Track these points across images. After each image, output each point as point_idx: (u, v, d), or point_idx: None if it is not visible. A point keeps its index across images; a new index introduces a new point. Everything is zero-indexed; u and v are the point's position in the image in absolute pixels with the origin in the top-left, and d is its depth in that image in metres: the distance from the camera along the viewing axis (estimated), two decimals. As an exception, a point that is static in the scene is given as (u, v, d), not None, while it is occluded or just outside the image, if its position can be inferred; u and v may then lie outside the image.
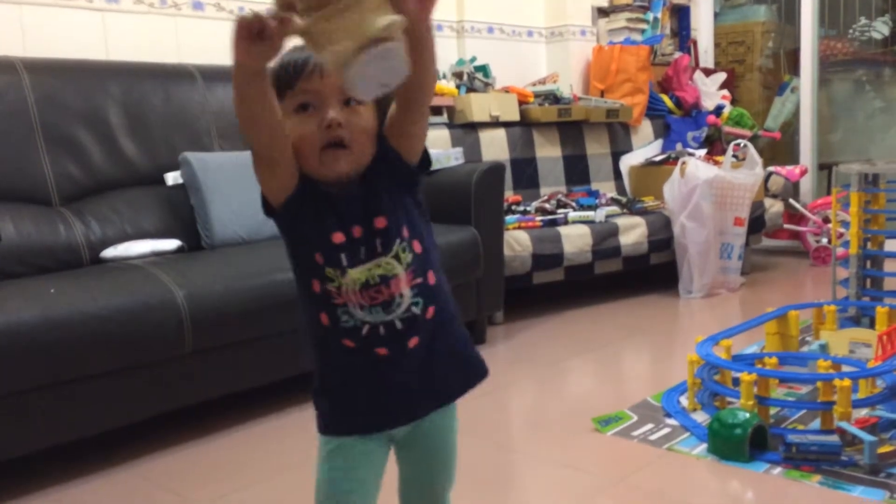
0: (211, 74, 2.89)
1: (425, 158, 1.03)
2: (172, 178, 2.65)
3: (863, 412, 1.96)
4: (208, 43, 3.09)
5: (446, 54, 3.96)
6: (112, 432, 2.00)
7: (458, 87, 3.68)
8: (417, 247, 1.00)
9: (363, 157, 0.97)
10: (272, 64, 0.91)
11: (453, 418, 1.12)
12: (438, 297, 1.02)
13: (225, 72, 2.97)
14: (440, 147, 3.33)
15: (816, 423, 1.97)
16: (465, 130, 3.58)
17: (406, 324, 0.99)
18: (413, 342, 0.99)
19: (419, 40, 0.88)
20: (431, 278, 1.01)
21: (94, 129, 2.56)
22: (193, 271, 2.13)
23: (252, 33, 0.81)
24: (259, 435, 2.12)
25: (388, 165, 0.99)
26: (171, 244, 2.44)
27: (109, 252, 2.37)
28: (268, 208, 1.00)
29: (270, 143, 0.94)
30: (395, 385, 1.01)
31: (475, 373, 1.10)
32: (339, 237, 0.96)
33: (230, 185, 2.59)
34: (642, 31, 4.53)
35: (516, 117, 3.76)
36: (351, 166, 0.96)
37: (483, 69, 3.82)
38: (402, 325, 0.98)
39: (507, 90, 3.83)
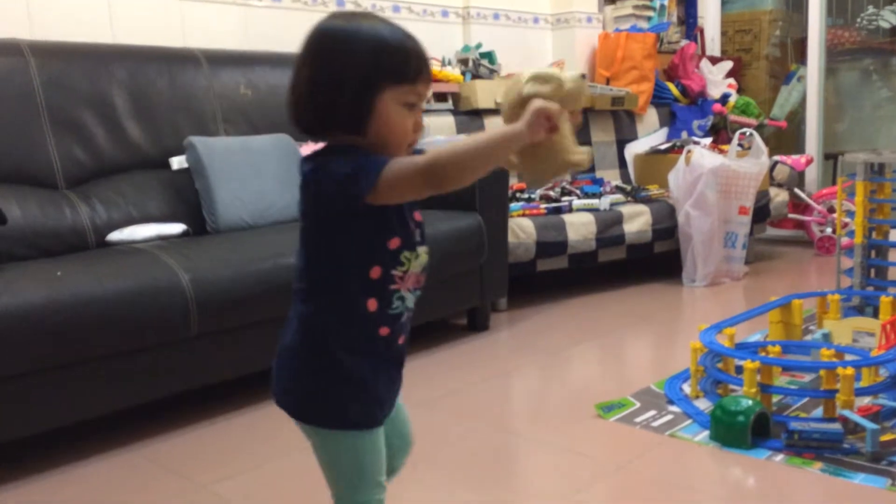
0: (216, 59, 2.89)
1: None
2: (177, 162, 2.65)
3: (865, 400, 1.96)
4: (213, 27, 3.08)
5: (451, 41, 3.95)
6: (117, 414, 2.02)
7: (463, 73, 3.68)
8: None
9: None
10: (393, 42, 0.97)
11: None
12: None
13: (230, 56, 2.97)
14: (445, 134, 3.33)
15: (819, 411, 1.98)
16: (470, 117, 3.58)
17: (408, 316, 1.05)
18: (401, 339, 1.06)
19: None
20: None
21: (100, 113, 2.56)
22: (199, 255, 2.13)
23: (549, 125, 0.95)
24: (264, 418, 2.13)
25: None
26: (177, 228, 2.45)
27: (115, 235, 2.37)
28: (359, 202, 0.95)
29: None
30: (396, 377, 1.09)
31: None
32: (413, 223, 1.02)
33: (235, 170, 2.60)
34: (649, 19, 4.51)
35: (522, 104, 3.75)
36: None
37: (489, 56, 3.81)
38: (406, 316, 1.05)
39: (512, 77, 3.81)
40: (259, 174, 2.65)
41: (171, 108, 2.71)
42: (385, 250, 0.98)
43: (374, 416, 1.04)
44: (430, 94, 3.45)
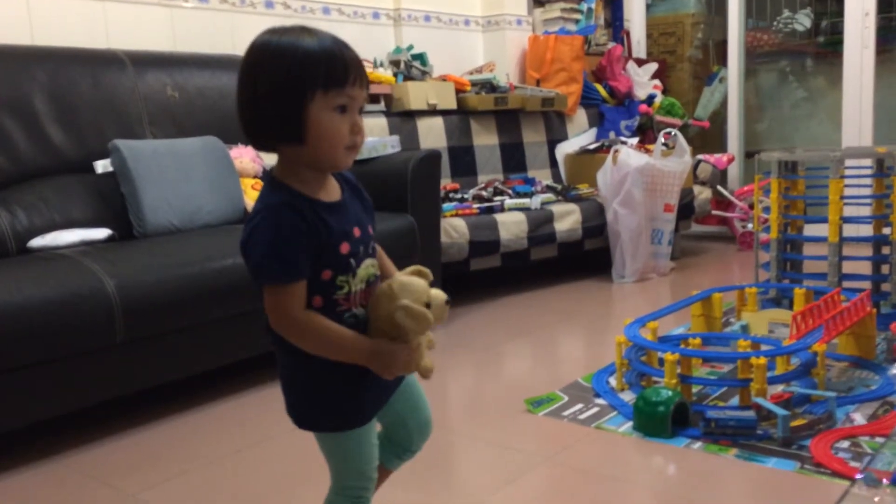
0: (141, 60, 2.84)
1: None
2: (102, 165, 2.60)
3: (779, 388, 2.06)
4: (139, 29, 3.03)
5: (383, 42, 3.97)
6: (41, 424, 1.98)
7: (395, 75, 3.69)
8: None
9: None
10: (319, 51, 1.00)
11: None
12: None
13: (156, 58, 2.92)
14: (377, 135, 3.34)
15: (735, 400, 2.07)
16: (403, 119, 3.60)
17: None
18: None
19: None
20: None
21: (19, 116, 2.49)
22: (124, 260, 2.10)
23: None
24: (189, 424, 2.11)
25: (356, 188, 1.15)
26: (102, 233, 2.40)
27: (37, 241, 2.32)
28: None
29: None
30: (369, 383, 1.11)
31: None
32: (345, 247, 1.05)
33: (163, 173, 2.56)
34: (576, 22, 4.61)
35: (453, 106, 3.79)
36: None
37: (420, 57, 3.84)
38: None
39: (444, 79, 3.85)
40: (188, 177, 2.62)
41: (94, 111, 2.66)
42: (319, 282, 1.04)
43: (348, 419, 1.11)
44: (364, 95, 3.45)
